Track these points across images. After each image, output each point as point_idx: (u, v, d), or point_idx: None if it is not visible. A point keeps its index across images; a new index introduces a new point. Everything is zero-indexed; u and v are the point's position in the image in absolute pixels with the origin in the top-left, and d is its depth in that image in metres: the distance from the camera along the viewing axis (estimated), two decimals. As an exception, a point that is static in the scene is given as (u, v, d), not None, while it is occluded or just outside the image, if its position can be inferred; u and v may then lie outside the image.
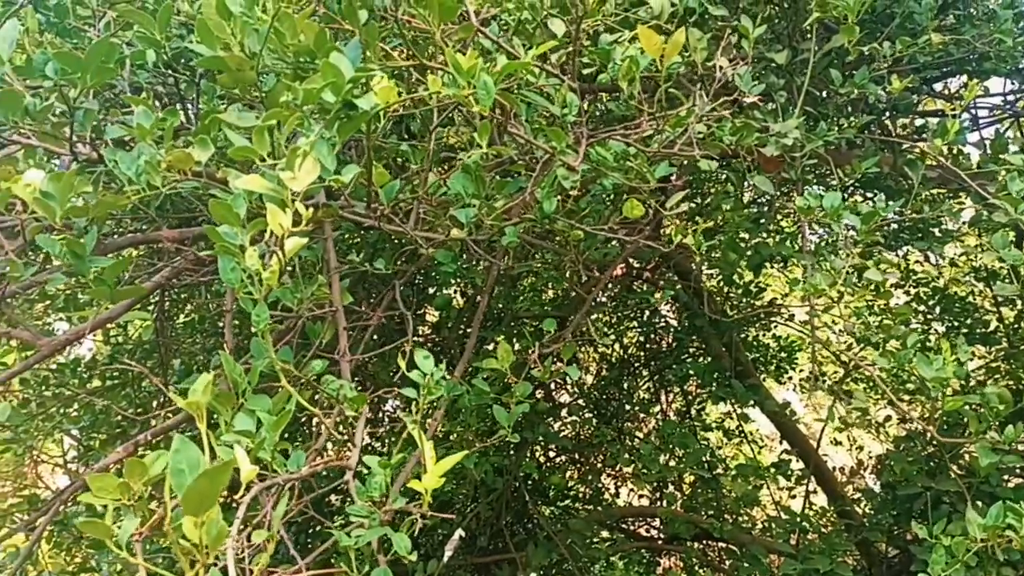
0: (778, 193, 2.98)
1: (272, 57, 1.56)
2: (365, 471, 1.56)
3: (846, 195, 3.81)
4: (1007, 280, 2.64)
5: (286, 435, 1.56)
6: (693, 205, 3.63)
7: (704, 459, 5.61)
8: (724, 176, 3.43)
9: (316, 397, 2.24)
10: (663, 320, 6.84)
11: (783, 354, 7.07)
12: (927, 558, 3.83)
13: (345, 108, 1.39)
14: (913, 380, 4.82)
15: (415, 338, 2.55)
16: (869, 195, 3.90)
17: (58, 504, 3.54)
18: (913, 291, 5.81)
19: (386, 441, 5.63)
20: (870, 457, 7.11)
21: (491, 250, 2.90)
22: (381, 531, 1.46)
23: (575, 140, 2.00)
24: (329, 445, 1.79)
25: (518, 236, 2.09)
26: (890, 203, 2.57)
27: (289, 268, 2.02)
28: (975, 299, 6.15)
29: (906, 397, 5.83)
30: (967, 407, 2.70)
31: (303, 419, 4.29)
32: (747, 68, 2.38)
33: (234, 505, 1.36)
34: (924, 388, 3.93)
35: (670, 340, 6.74)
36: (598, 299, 3.33)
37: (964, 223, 5.27)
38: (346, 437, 1.73)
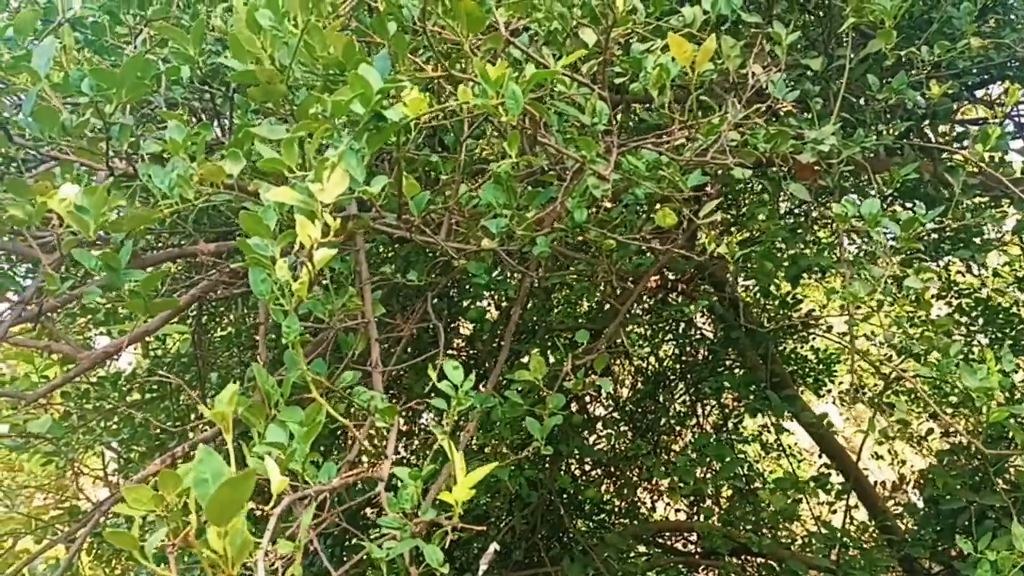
0: (815, 202, 2.93)
1: (302, 70, 1.57)
2: (398, 483, 1.56)
3: (884, 204, 3.75)
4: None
5: (320, 447, 1.56)
6: (728, 216, 3.59)
7: (741, 472, 5.54)
8: (759, 185, 3.39)
9: (352, 410, 2.25)
10: (699, 332, 6.77)
11: (821, 367, 6.98)
12: (971, 574, 3.75)
13: (374, 119, 1.39)
14: (956, 392, 4.73)
15: (448, 350, 2.55)
16: (908, 205, 3.84)
17: (98, 516, 3.58)
18: (955, 302, 5.70)
19: (421, 455, 5.62)
20: (912, 471, 6.97)
21: (523, 261, 2.89)
22: (413, 543, 1.45)
23: (606, 149, 1.99)
24: (364, 457, 1.79)
25: (550, 247, 2.08)
26: (930, 211, 2.52)
27: (321, 280, 2.03)
28: (1019, 310, 6.02)
29: (949, 410, 5.72)
30: (1012, 419, 2.64)
31: (339, 432, 4.30)
32: (781, 75, 2.35)
33: (267, 517, 1.36)
34: (968, 400, 3.85)
35: (706, 352, 6.67)
36: (632, 310, 3.31)
37: (1007, 232, 5.17)
38: (379, 450, 1.72)
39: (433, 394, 1.74)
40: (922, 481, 6.10)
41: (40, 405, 4.08)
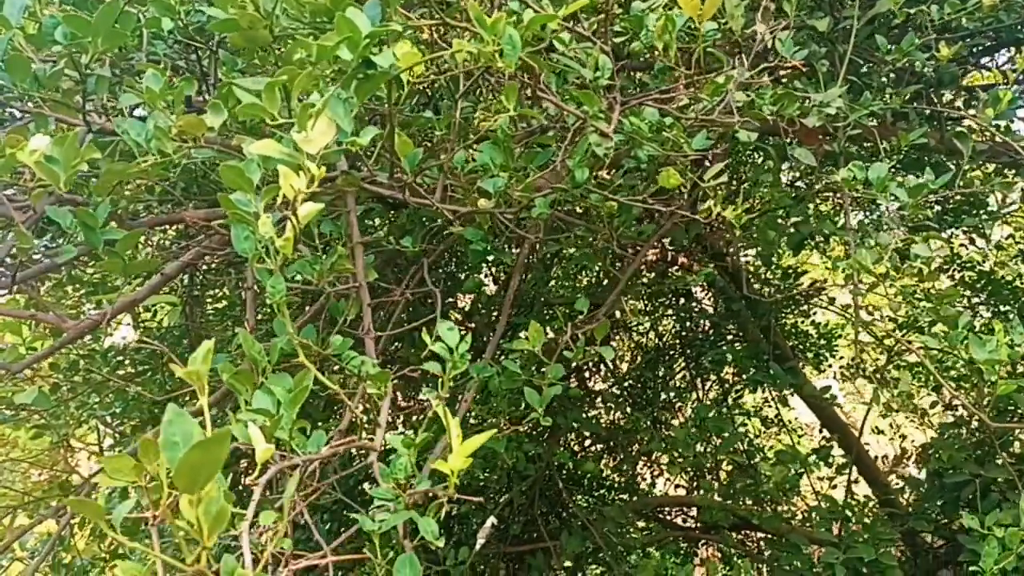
0: (820, 169, 2.85)
1: (288, 18, 1.49)
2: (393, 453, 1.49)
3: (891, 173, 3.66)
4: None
5: (314, 418, 1.49)
6: (732, 182, 3.50)
7: (741, 447, 5.49)
8: (761, 153, 3.30)
9: (346, 380, 2.18)
10: (699, 306, 6.71)
11: (822, 341, 6.93)
12: (976, 547, 3.70)
13: (362, 67, 1.31)
14: (958, 366, 4.67)
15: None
16: (914, 174, 3.75)
17: (88, 490, 3.52)
18: (958, 275, 5.63)
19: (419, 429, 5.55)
20: (914, 445, 6.93)
21: (521, 227, 2.81)
22: (406, 515, 1.38)
23: (608, 106, 1.91)
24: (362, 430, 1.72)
25: (549, 210, 2.00)
26: (940, 177, 2.44)
27: (312, 243, 1.95)
28: (1022, 283, 5.95)
29: (951, 384, 5.66)
30: (1020, 392, 2.58)
31: (336, 406, 4.24)
32: (789, 32, 2.26)
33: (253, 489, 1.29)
34: (973, 372, 3.79)
35: (706, 326, 6.61)
36: (632, 282, 3.23)
37: (1013, 202, 5.09)
38: (371, 418, 1.65)
39: (429, 360, 1.67)
40: (923, 455, 6.06)
41: (28, 377, 4.01)
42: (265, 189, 1.25)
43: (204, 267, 4.61)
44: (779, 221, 3.20)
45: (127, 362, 4.64)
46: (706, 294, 6.73)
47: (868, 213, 3.64)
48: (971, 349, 2.36)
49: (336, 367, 2.11)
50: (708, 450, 5.62)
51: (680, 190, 2.25)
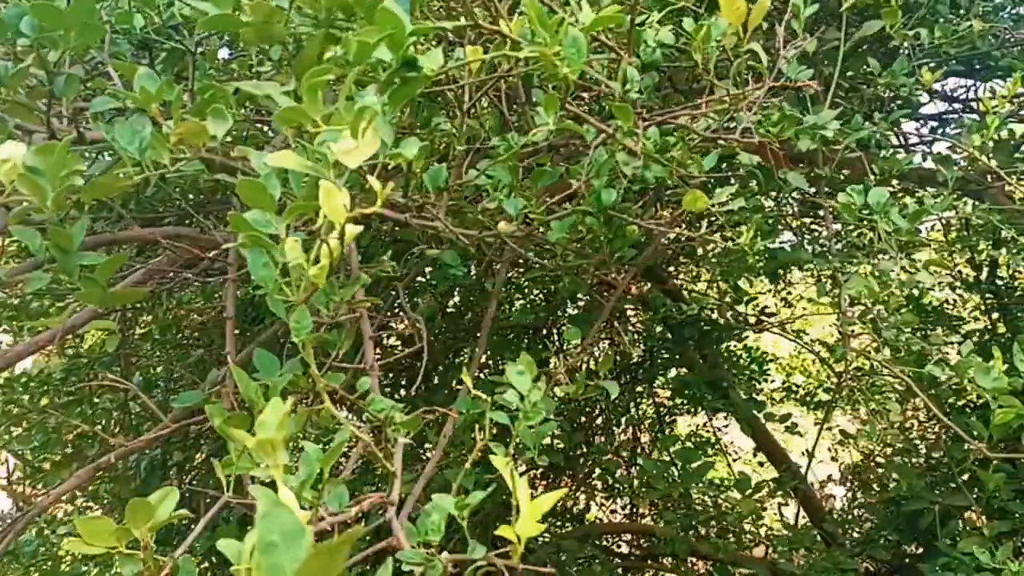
0: (808, 193, 2.78)
1: (300, 16, 1.30)
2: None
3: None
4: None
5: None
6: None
7: (698, 479, 5.42)
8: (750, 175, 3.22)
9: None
10: (634, 329, 6.64)
11: (754, 366, 6.95)
12: (938, 573, 3.68)
13: (403, 69, 1.14)
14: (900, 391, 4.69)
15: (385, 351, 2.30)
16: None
17: (11, 536, 3.20)
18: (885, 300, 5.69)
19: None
20: (843, 466, 6.99)
21: (499, 250, 2.65)
22: (443, 585, 1.21)
23: (634, 123, 1.77)
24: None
25: (567, 235, 1.85)
26: (937, 201, 2.39)
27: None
28: (949, 307, 6.08)
29: (894, 409, 5.72)
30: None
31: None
32: (796, 51, 2.17)
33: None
34: (933, 397, 3.78)
35: (641, 351, 6.54)
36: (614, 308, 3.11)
37: (938, 230, 5.17)
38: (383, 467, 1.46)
39: (426, 394, 1.49)
40: (856, 476, 6.11)
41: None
42: (291, 207, 1.07)
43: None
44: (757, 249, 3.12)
45: (49, 391, 4.28)
46: (640, 318, 6.66)
47: (856, 236, 3.60)
48: (977, 377, 2.30)
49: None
50: (656, 480, 5.53)
51: (685, 216, 2.13)
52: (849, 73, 2.98)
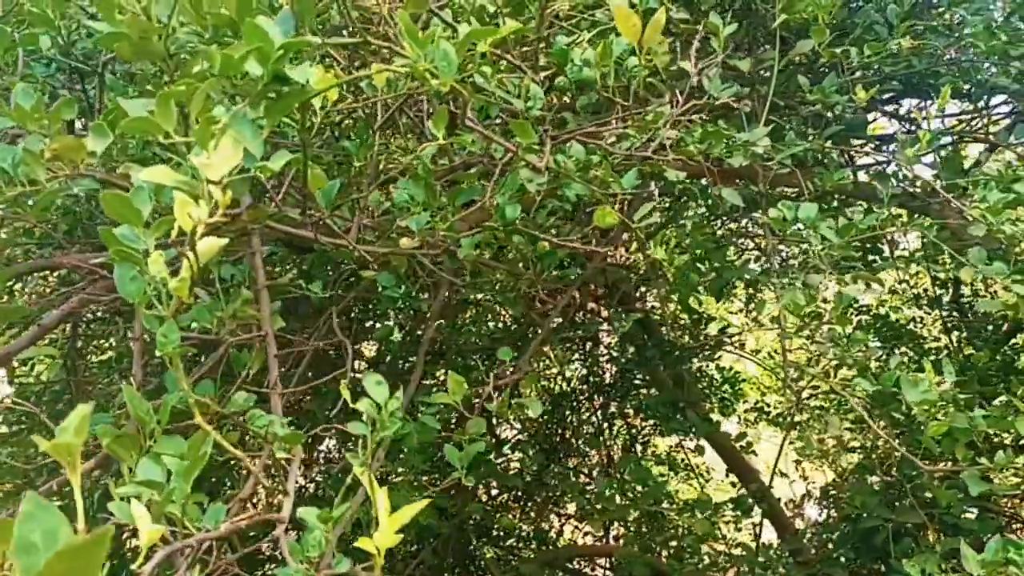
0: (741, 211, 2.80)
1: (186, 31, 1.31)
2: (303, 525, 1.29)
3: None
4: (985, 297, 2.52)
5: (206, 485, 1.29)
6: (659, 223, 3.43)
7: (656, 496, 5.40)
8: (684, 194, 3.26)
9: (246, 440, 1.96)
10: (607, 352, 6.64)
11: (726, 386, 6.96)
12: (894, 594, 3.67)
13: (274, 83, 1.14)
14: (865, 407, 4.70)
15: (353, 372, 2.30)
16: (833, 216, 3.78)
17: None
18: (855, 319, 5.72)
19: (323, 487, 5.24)
20: (814, 486, 6.98)
21: (438, 270, 2.65)
22: (320, 599, 1.19)
23: (539, 140, 1.78)
24: (260, 491, 1.51)
25: (475, 252, 1.85)
26: (867, 216, 2.41)
27: (210, 289, 1.74)
28: (916, 327, 6.12)
29: (852, 426, 5.74)
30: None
31: (232, 465, 3.94)
32: (717, 69, 2.19)
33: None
34: (885, 414, 3.79)
35: (614, 373, 6.54)
36: (551, 325, 3.13)
37: (904, 249, 5.22)
38: (274, 485, 1.45)
39: (342, 416, 1.48)
40: (825, 495, 6.11)
41: None
42: (156, 222, 1.07)
43: (88, 316, 4.28)
44: (699, 266, 3.14)
45: (-1, 421, 4.23)
46: (613, 339, 6.68)
47: (785, 258, 3.63)
48: (903, 390, 2.31)
49: (234, 426, 1.90)
50: (623, 500, 5.51)
51: (600, 233, 2.14)
52: (787, 92, 3.01)
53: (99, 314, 4.27)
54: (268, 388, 1.61)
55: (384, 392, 1.36)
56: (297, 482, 1.59)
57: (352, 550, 1.35)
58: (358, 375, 4.86)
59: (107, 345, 4.77)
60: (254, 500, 2.01)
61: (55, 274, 3.88)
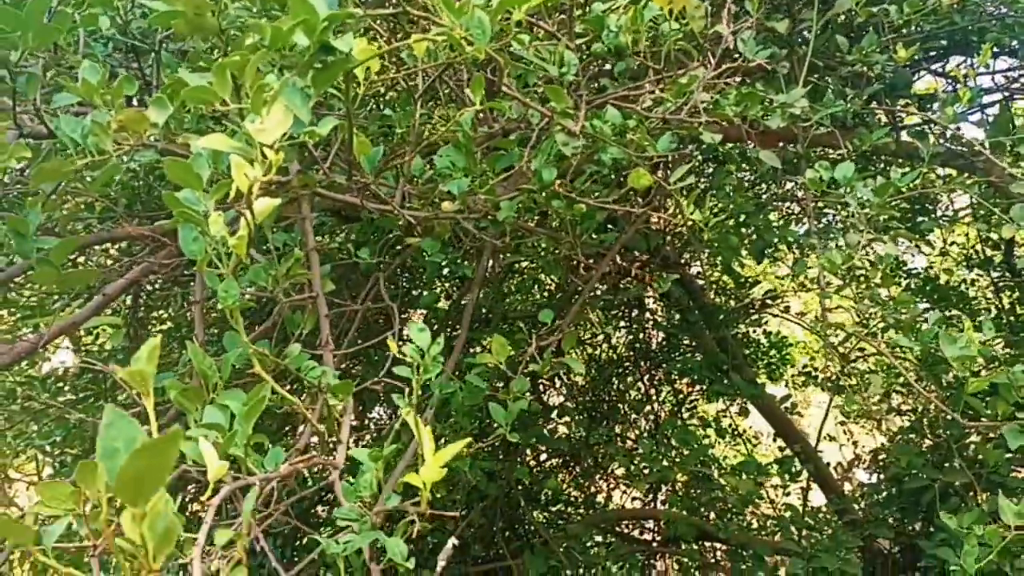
0: (783, 173, 2.82)
1: (236, 7, 1.39)
2: (357, 469, 1.39)
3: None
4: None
5: (266, 434, 1.38)
6: (696, 186, 3.46)
7: (701, 457, 5.45)
8: (724, 157, 3.28)
9: (302, 395, 2.06)
10: (652, 318, 6.68)
11: (774, 351, 6.96)
12: (938, 552, 3.69)
13: (320, 53, 1.22)
14: (910, 372, 4.69)
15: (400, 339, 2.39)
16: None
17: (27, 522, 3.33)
18: (904, 282, 5.68)
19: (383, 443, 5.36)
20: (865, 450, 6.97)
21: (481, 241, 2.72)
22: (373, 535, 1.28)
23: (574, 105, 1.84)
24: (314, 441, 1.61)
25: (515, 215, 1.92)
26: (905, 176, 2.42)
27: (265, 251, 1.84)
28: (967, 289, 6.04)
29: (902, 390, 5.71)
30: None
31: (286, 427, 4.09)
32: (752, 32, 2.22)
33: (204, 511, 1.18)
34: (928, 376, 3.78)
35: (660, 338, 6.59)
36: (591, 293, 3.17)
37: (955, 211, 5.16)
38: (327, 438, 1.54)
39: (393, 368, 1.56)
40: (875, 460, 6.10)
41: (-39, 406, 3.80)
42: (216, 185, 1.15)
43: (149, 288, 4.45)
44: (741, 228, 3.17)
45: (67, 388, 4.43)
46: (659, 306, 6.72)
47: (829, 219, 3.63)
48: (942, 346, 2.33)
49: (290, 383, 2.00)
50: (671, 462, 5.58)
51: (639, 196, 2.18)
52: (826, 52, 3.01)
53: (158, 286, 4.44)
54: (320, 346, 1.71)
55: (427, 338, 1.44)
56: (350, 434, 1.68)
57: (404, 491, 1.45)
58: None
59: (165, 315, 4.94)
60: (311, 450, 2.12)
61: (116, 246, 4.04)
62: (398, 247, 3.01)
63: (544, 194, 1.95)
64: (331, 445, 1.51)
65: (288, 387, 1.92)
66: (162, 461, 0.64)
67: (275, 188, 1.14)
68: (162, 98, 1.33)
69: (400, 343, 1.50)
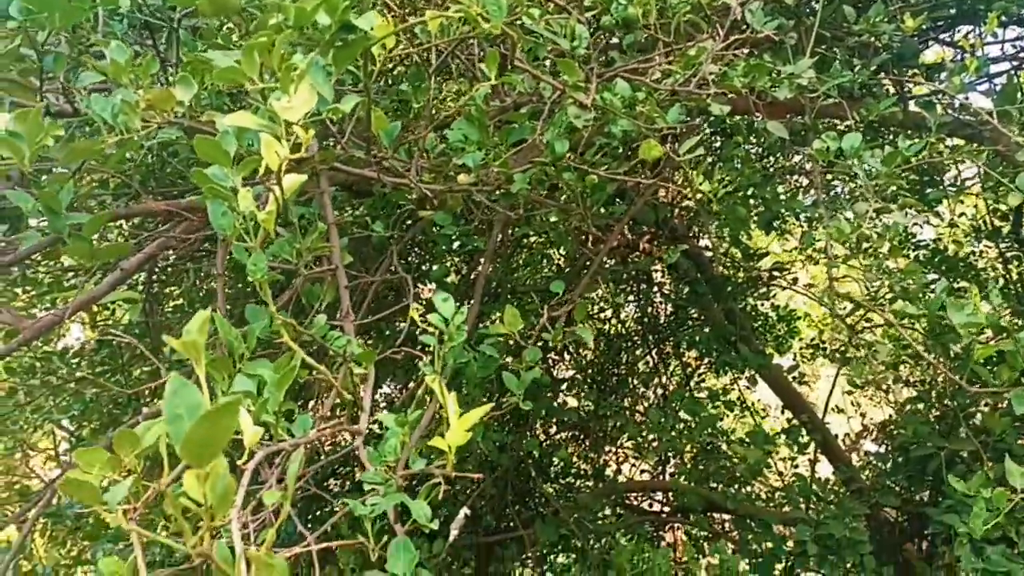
0: (790, 144, 2.85)
1: (257, -13, 1.42)
2: (382, 433, 1.44)
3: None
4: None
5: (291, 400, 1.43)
6: (704, 157, 3.47)
7: (709, 428, 5.51)
8: (730, 129, 3.29)
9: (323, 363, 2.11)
10: (659, 291, 6.72)
11: (781, 324, 6.98)
12: (945, 519, 3.75)
13: (342, 31, 1.25)
14: (917, 342, 4.73)
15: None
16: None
17: (49, 495, 3.41)
18: (912, 254, 5.70)
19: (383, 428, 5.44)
20: (872, 422, 7.02)
21: (492, 212, 2.76)
22: (398, 498, 1.33)
23: (585, 78, 1.87)
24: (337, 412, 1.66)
25: (528, 186, 1.95)
26: (912, 145, 2.44)
27: (288, 224, 1.88)
28: (974, 260, 6.05)
29: (914, 358, 5.74)
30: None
31: (304, 393, 4.16)
32: (760, 3, 2.24)
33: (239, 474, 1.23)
34: (935, 346, 3.82)
35: (668, 311, 6.63)
36: (603, 263, 3.21)
37: (963, 180, 5.16)
38: (342, 405, 1.59)
39: (417, 332, 1.61)
40: (883, 432, 6.15)
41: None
42: (244, 161, 1.19)
43: (162, 263, 4.50)
44: (749, 199, 3.20)
45: (84, 363, 4.50)
46: (667, 278, 6.75)
47: (837, 190, 3.66)
48: (949, 313, 2.37)
49: (306, 342, 2.04)
50: (677, 434, 5.64)
51: (647, 168, 2.22)
52: (833, 22, 3.02)
53: (171, 261, 4.49)
54: (340, 317, 1.75)
55: (451, 307, 1.49)
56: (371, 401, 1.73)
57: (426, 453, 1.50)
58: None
59: (178, 292, 5.00)
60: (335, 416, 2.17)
61: (129, 222, 4.09)
62: (409, 221, 3.05)
63: (555, 166, 1.98)
64: (354, 412, 1.56)
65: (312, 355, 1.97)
66: (224, 426, 0.69)
67: (297, 164, 1.17)
68: (187, 77, 1.37)
69: (418, 313, 1.54)
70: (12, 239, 1.53)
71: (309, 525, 4.71)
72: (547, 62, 2.03)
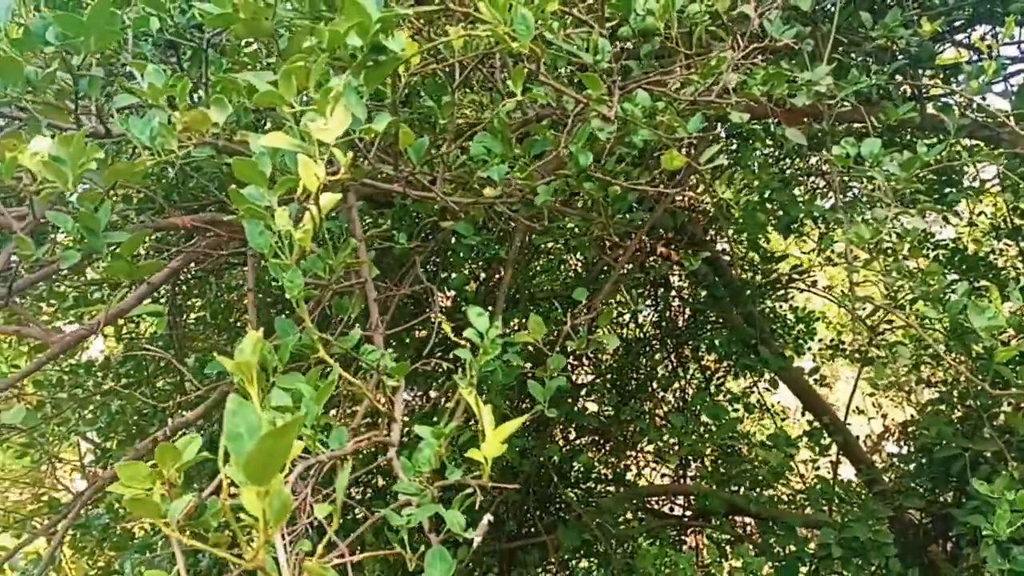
0: (808, 149, 2.86)
1: (286, 9, 1.46)
2: (416, 444, 1.46)
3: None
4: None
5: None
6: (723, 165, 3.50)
7: (730, 432, 5.52)
8: (748, 135, 3.31)
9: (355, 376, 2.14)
10: (677, 296, 6.72)
11: (800, 325, 6.97)
12: (970, 519, 3.74)
13: (372, 53, 1.28)
14: (939, 343, 4.72)
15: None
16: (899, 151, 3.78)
17: (78, 507, 3.45)
18: (931, 253, 5.68)
19: (409, 433, 5.49)
20: (894, 423, 6.99)
21: (513, 221, 2.79)
22: (434, 509, 1.36)
23: (607, 91, 1.89)
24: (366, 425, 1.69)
25: (552, 198, 1.98)
26: (931, 149, 2.45)
27: (318, 237, 1.91)
28: (996, 259, 6.03)
29: (935, 359, 5.72)
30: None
31: (335, 403, 4.19)
32: (778, 11, 2.26)
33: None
34: (956, 347, 3.81)
35: (686, 315, 6.63)
36: (624, 269, 3.24)
37: (982, 181, 5.15)
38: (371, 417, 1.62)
39: (437, 352, 1.64)
40: (904, 434, 6.13)
41: (12, 395, 3.93)
42: (281, 181, 1.23)
43: (184, 275, 4.55)
44: (768, 204, 3.21)
45: (109, 376, 4.56)
46: (685, 283, 6.76)
47: (858, 190, 3.65)
48: (969, 317, 2.37)
49: (337, 356, 2.07)
50: (698, 437, 5.64)
51: (666, 176, 2.24)
52: (850, 28, 3.04)
53: (192, 275, 4.55)
54: (370, 329, 1.78)
55: (485, 321, 1.52)
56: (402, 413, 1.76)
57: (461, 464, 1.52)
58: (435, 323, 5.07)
59: (200, 304, 5.06)
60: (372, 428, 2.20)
61: (151, 237, 4.15)
62: (430, 232, 3.08)
63: (578, 177, 2.01)
64: (386, 423, 1.59)
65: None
66: (284, 444, 0.72)
67: (329, 182, 1.21)
68: (221, 98, 1.40)
69: (441, 324, 1.57)
70: (52, 260, 1.57)
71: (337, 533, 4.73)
72: (567, 74, 2.05)
